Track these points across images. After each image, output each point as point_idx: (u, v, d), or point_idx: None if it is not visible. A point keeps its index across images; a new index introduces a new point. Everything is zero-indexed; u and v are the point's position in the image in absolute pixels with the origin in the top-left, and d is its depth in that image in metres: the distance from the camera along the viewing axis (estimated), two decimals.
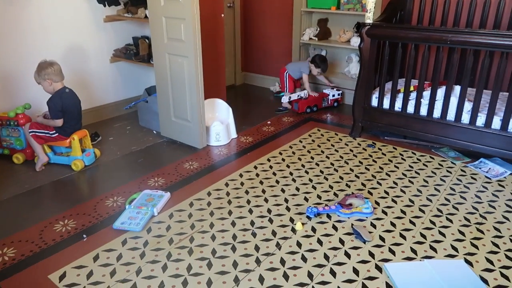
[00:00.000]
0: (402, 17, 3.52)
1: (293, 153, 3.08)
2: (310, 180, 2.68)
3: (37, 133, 2.78)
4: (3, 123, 2.89)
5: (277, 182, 2.65)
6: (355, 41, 3.94)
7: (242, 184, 2.63)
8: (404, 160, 2.94)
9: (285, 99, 3.86)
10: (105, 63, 3.71)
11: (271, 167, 2.86)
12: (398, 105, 3.12)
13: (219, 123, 3.23)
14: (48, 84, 2.72)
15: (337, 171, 2.80)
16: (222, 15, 3.55)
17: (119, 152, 3.12)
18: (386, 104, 3.17)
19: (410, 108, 3.06)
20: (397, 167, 2.84)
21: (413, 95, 3.07)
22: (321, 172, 2.79)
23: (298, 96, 3.89)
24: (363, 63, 3.14)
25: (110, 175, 2.79)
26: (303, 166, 2.87)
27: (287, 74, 4.08)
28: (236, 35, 4.81)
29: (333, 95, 4.06)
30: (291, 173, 2.77)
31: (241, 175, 2.74)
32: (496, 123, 2.70)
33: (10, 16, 2.99)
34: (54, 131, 2.80)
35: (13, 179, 2.71)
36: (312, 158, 3.00)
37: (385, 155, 3.04)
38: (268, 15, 4.64)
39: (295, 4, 4.33)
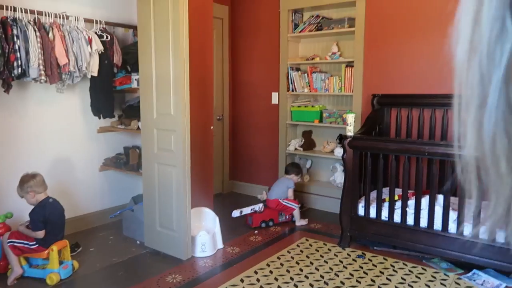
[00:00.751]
0: (381, 130, 3.75)
1: (281, 264, 2.97)
2: None
3: (15, 243, 2.66)
4: None
5: None
6: (339, 151, 4.12)
7: None
8: (396, 271, 2.85)
9: (235, 213, 3.68)
10: (94, 171, 3.75)
11: (258, 280, 2.73)
12: (384, 214, 3.13)
13: (205, 233, 3.16)
14: (31, 196, 2.70)
15: (327, 284, 2.68)
16: (212, 127, 3.74)
17: (98, 264, 2.97)
18: (372, 213, 3.19)
19: (397, 217, 3.07)
20: (389, 280, 2.73)
21: (398, 204, 3.11)
22: (311, 285, 2.66)
23: (252, 209, 3.73)
24: (347, 172, 3.24)
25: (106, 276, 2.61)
26: (291, 279, 2.75)
27: (283, 200, 3.81)
28: (225, 145, 5.00)
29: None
30: (279, 287, 2.63)
31: None
32: (483, 233, 2.70)
33: (8, 126, 3.10)
34: (34, 242, 2.68)
35: None
36: (301, 270, 2.88)
37: (376, 266, 2.94)
38: (255, 127, 4.90)
39: (280, 118, 4.61)
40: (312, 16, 4.32)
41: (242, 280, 2.71)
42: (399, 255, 3.12)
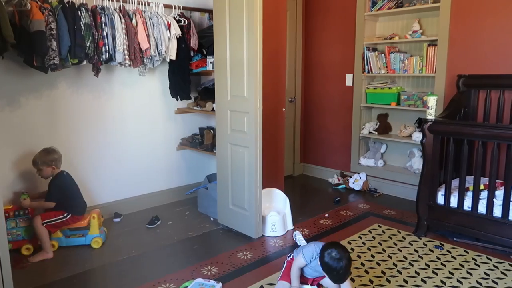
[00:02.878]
0: (466, 114, 3.46)
1: (352, 249, 2.92)
2: (371, 281, 2.48)
3: (52, 222, 2.80)
4: (10, 215, 2.80)
5: None
6: (417, 136, 3.89)
7: None
8: (478, 266, 2.65)
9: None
10: (172, 150, 3.97)
11: None
12: (467, 204, 2.91)
13: (276, 213, 3.21)
14: (51, 170, 2.87)
15: (400, 273, 2.58)
16: (284, 109, 3.73)
17: (175, 237, 3.16)
18: (453, 202, 2.98)
19: (482, 208, 2.84)
20: (470, 274, 2.55)
21: (483, 194, 2.87)
22: (383, 273, 2.58)
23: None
24: (426, 158, 3.06)
25: (165, 260, 2.80)
26: (362, 264, 2.69)
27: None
28: (296, 127, 4.98)
29: None
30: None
31: None
32: None
33: (96, 106, 3.38)
34: (66, 214, 2.85)
35: (33, 271, 2.64)
36: (373, 256, 2.81)
37: (455, 258, 2.77)
38: (328, 109, 4.80)
39: (354, 100, 4.46)
40: None
41: None
42: (483, 248, 2.89)
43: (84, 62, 3.04)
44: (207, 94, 3.80)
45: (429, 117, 3.01)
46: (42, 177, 2.90)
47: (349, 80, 4.52)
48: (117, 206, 3.57)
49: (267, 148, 3.23)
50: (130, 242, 3.06)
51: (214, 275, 2.56)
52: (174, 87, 3.74)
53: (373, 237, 3.13)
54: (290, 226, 3.31)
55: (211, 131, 3.80)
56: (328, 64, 4.71)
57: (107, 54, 3.08)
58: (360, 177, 4.36)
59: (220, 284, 2.41)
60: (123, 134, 3.57)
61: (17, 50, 2.75)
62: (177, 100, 3.83)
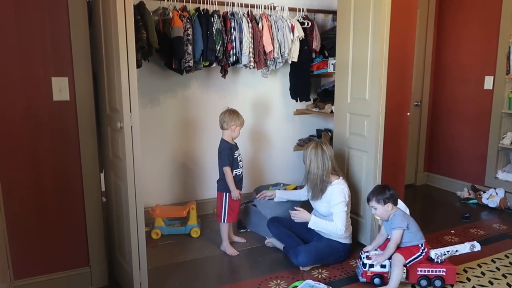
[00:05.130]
0: None
1: (482, 273, 2.59)
2: None
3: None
4: None
5: None
6: None
7: None
8: None
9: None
10: (288, 150, 4.04)
11: (452, 286, 2.45)
12: None
13: None
14: (232, 130, 2.89)
15: None
16: (408, 113, 3.50)
17: None
18: None
19: None
20: None
21: None
22: None
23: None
24: None
25: (277, 257, 2.86)
26: None
27: None
28: (421, 133, 4.61)
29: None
30: None
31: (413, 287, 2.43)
32: None
33: (222, 105, 3.60)
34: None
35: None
36: (509, 285, 2.45)
37: None
38: (460, 114, 4.33)
39: (494, 105, 3.95)
40: None
41: None
42: None
43: (214, 65, 3.29)
44: (327, 96, 3.77)
45: None
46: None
47: (488, 82, 4.01)
48: None
49: (387, 153, 3.05)
50: (244, 235, 3.20)
51: (324, 279, 2.53)
52: (294, 89, 3.79)
53: (510, 263, 2.72)
54: None
55: (329, 133, 3.75)
56: (463, 65, 4.25)
57: (234, 57, 3.28)
58: (497, 193, 3.84)
59: None
60: (244, 132, 3.76)
61: (160, 54, 3.11)
62: (297, 101, 3.88)
